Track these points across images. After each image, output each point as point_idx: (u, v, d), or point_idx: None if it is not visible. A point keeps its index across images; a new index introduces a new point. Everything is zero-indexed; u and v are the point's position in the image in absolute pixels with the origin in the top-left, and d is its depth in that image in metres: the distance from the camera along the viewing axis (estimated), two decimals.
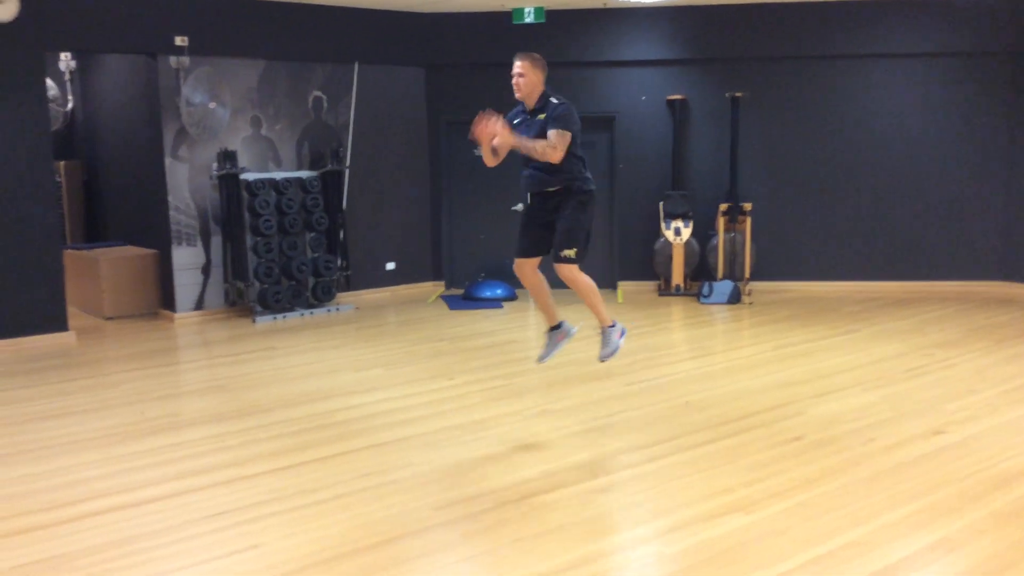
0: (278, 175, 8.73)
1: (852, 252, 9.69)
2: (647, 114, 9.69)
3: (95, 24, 7.72)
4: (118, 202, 10.03)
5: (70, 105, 10.53)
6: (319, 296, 8.97)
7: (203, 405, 5.84)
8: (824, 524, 3.88)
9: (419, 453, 4.85)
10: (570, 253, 4.79)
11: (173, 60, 8.15)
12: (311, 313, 8.78)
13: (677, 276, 9.46)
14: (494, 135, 4.69)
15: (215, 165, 8.45)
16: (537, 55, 4.89)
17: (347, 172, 9.34)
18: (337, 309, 8.98)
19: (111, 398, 6.01)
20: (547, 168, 4.83)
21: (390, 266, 9.90)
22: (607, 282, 9.90)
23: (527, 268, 5.04)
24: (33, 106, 7.41)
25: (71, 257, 9.00)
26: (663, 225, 9.43)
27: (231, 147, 8.53)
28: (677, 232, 9.36)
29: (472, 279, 9.84)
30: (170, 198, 8.34)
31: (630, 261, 9.86)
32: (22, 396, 6.07)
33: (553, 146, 4.67)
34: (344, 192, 9.28)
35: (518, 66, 4.83)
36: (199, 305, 8.63)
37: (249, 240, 8.53)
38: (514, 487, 4.33)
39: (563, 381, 6.26)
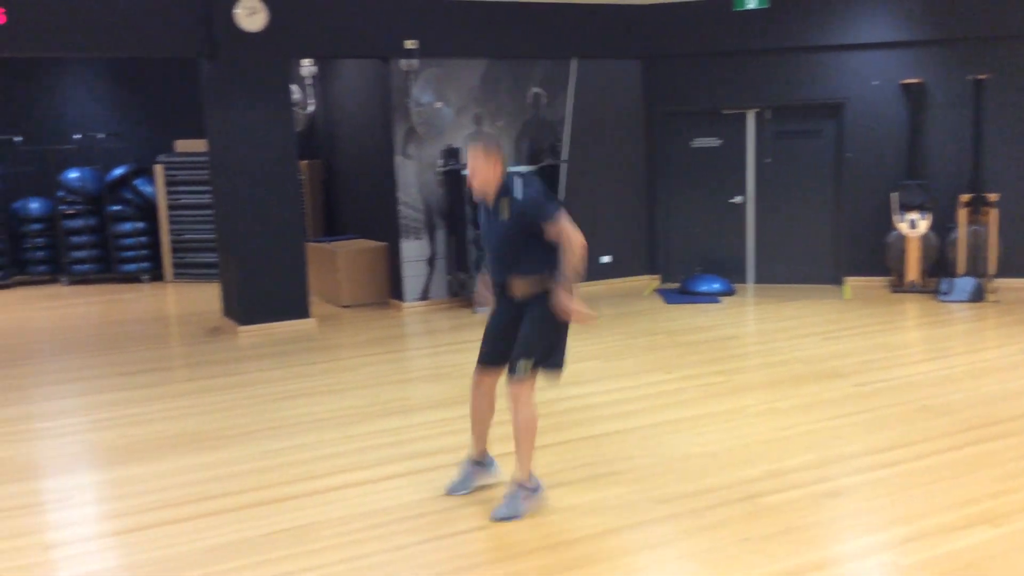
0: None
1: None
2: (879, 100, 9.15)
3: (334, 32, 8.26)
4: (353, 198, 10.70)
5: (311, 108, 11.33)
6: None
7: (429, 391, 6.13)
8: None
9: (638, 446, 4.85)
10: (525, 364, 3.82)
11: (404, 63, 8.57)
12: None
13: (912, 272, 8.88)
14: (580, 316, 3.82)
15: (440, 162, 8.83)
16: (488, 137, 4.05)
17: (564, 166, 9.47)
18: None
19: (348, 381, 6.42)
20: (518, 259, 3.89)
21: (606, 259, 9.94)
22: (833, 278, 9.46)
23: (484, 383, 4.12)
24: (280, 110, 8.04)
25: (312, 250, 9.69)
26: (896, 217, 8.89)
27: (455, 144, 8.88)
28: (913, 224, 8.79)
29: (688, 273, 9.70)
30: (399, 194, 8.80)
31: (859, 255, 9.36)
32: (270, 377, 6.61)
33: (567, 239, 3.74)
34: (561, 186, 9.42)
35: (469, 157, 3.92)
36: (424, 295, 9.05)
37: (470, 233, 8.84)
38: (738, 486, 4.25)
39: (789, 379, 6.05)
